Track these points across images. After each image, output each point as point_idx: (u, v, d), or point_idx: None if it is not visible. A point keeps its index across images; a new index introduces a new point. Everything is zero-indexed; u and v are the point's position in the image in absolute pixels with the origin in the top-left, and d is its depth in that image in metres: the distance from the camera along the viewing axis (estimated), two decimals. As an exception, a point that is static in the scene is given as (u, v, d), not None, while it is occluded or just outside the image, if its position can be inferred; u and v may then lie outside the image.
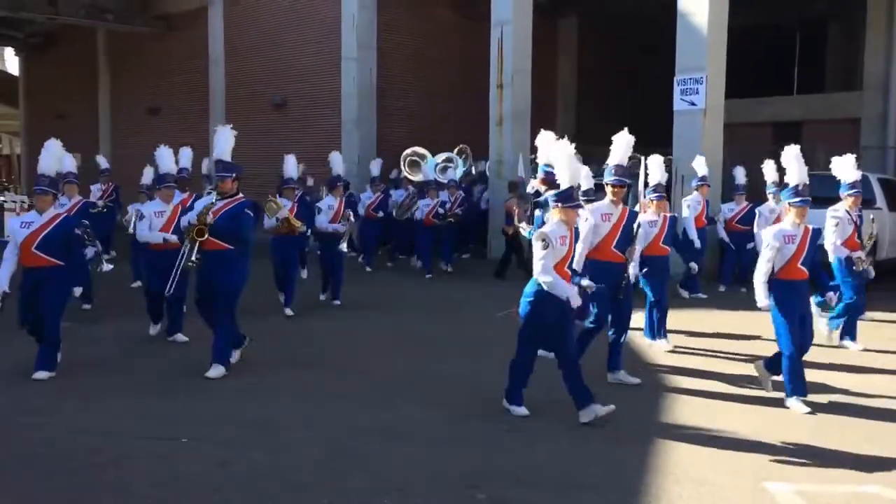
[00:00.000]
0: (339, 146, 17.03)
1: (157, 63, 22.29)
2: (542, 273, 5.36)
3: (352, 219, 10.41)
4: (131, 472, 4.56)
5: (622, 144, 6.65)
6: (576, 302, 5.41)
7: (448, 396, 6.18)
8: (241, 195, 6.88)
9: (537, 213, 10.54)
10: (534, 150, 15.38)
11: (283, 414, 5.68)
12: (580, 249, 6.18)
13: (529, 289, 5.55)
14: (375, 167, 14.32)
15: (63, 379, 6.43)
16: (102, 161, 14.64)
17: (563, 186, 5.54)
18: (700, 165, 10.99)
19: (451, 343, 8.22)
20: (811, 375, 6.42)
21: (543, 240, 5.37)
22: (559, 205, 5.50)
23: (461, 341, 8.29)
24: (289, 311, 9.31)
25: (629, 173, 6.67)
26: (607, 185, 6.51)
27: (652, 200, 7.51)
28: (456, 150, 14.35)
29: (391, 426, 5.44)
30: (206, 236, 6.58)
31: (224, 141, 6.89)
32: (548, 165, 7.31)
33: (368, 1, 17.19)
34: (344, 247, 9.96)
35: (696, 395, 6.31)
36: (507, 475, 4.57)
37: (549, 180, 7.10)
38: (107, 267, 7.84)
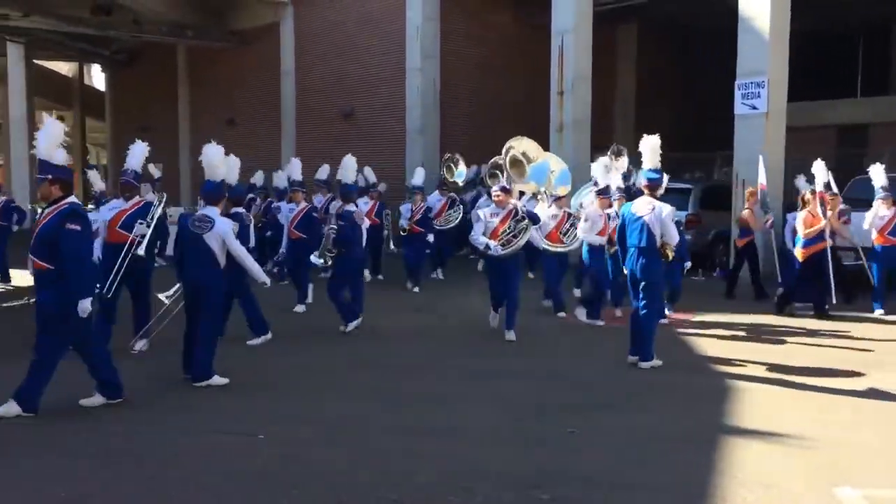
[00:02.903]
0: (404, 154, 17.61)
1: (233, 76, 23.28)
2: None
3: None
4: (207, 467, 4.71)
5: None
6: None
7: (514, 397, 6.30)
8: (66, 201, 5.60)
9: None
10: (593, 157, 15.65)
11: (356, 413, 5.85)
12: None
13: None
14: (419, 175, 13.32)
15: (137, 378, 6.54)
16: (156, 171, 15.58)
17: None
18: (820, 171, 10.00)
19: (518, 344, 8.24)
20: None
21: None
22: None
23: (528, 343, 8.32)
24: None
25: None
26: None
27: None
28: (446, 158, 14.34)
29: (458, 426, 5.55)
30: None
31: (44, 136, 5.65)
32: (653, 171, 7.31)
33: (432, 12, 17.63)
34: (314, 258, 9.01)
35: (763, 396, 6.28)
36: (571, 476, 4.59)
37: (653, 186, 7.30)
38: None
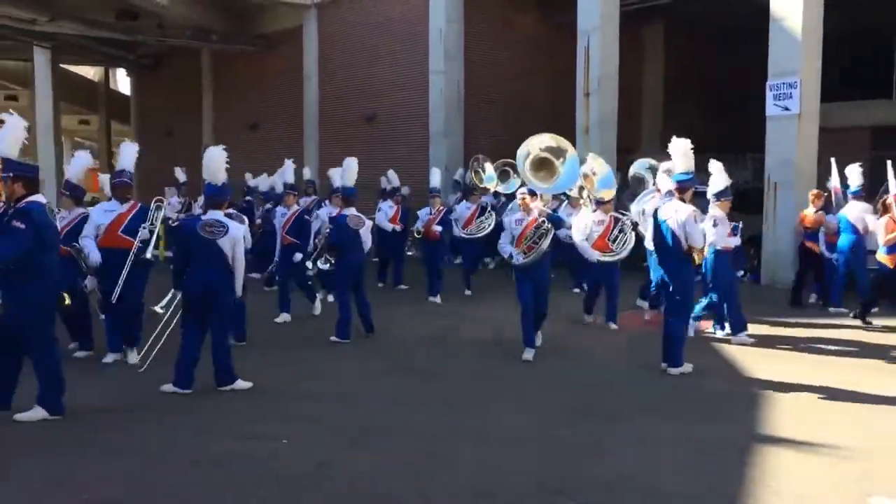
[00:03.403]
0: (427, 157, 17.47)
1: (256, 80, 23.33)
2: None
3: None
4: (229, 472, 4.70)
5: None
6: None
7: (540, 402, 6.23)
8: (26, 200, 5.45)
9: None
10: (619, 159, 15.44)
11: (377, 417, 5.83)
12: None
13: None
14: (435, 177, 12.61)
15: (157, 381, 6.50)
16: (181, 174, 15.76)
17: None
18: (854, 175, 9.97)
19: (544, 349, 8.08)
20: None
21: None
22: None
23: (555, 348, 8.20)
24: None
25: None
26: None
27: None
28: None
29: (482, 430, 5.49)
30: None
31: (5, 133, 5.54)
32: (685, 173, 7.16)
33: (455, 14, 17.51)
34: (313, 264, 9.95)
35: (797, 404, 6.18)
36: (597, 482, 4.53)
37: (683, 188, 7.16)
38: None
